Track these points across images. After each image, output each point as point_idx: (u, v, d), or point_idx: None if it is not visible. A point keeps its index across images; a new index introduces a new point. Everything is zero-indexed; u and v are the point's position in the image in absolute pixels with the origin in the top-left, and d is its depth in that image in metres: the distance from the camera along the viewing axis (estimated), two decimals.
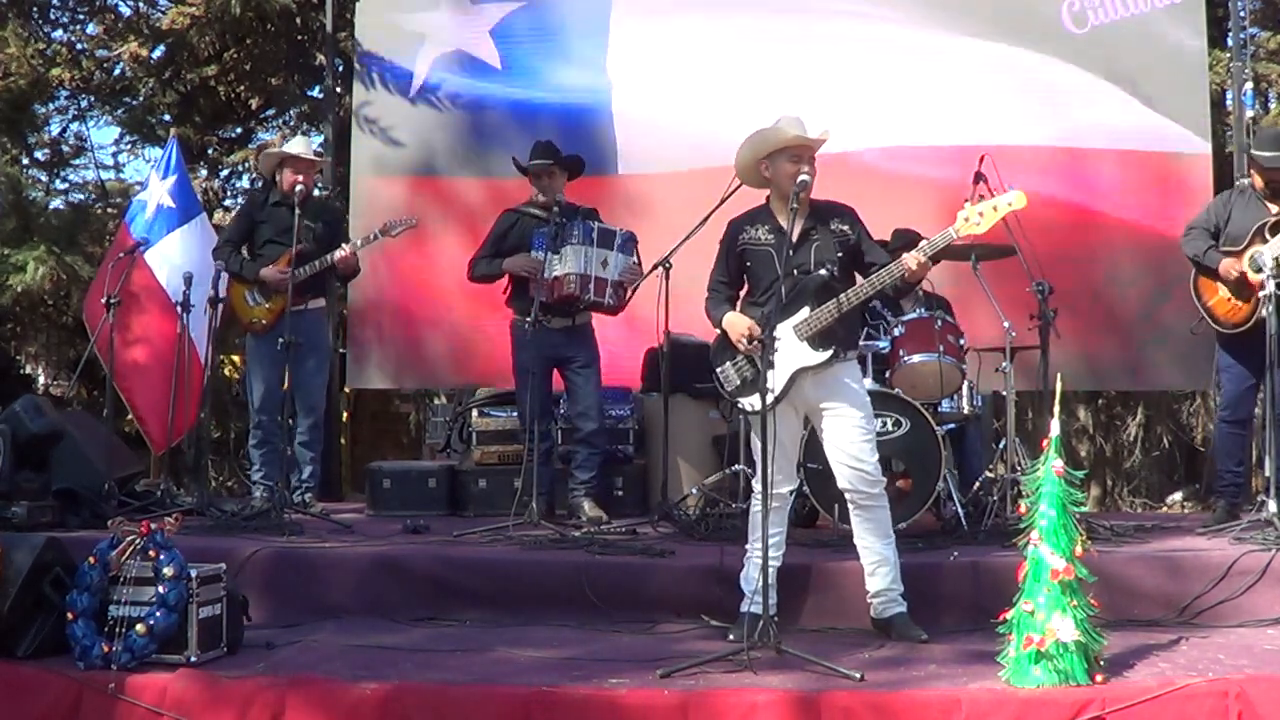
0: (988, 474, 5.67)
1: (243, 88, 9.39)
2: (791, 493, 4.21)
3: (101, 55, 8.98)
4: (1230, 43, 8.06)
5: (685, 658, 3.68)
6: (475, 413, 6.67)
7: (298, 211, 5.65)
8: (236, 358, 9.64)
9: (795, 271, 4.10)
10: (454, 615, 4.43)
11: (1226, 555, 4.40)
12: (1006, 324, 5.41)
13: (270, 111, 9.98)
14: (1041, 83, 7.18)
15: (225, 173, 10.18)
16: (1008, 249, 5.43)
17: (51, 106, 9.28)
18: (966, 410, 5.59)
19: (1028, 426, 7.96)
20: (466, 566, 4.65)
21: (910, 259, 3.97)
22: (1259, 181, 5.43)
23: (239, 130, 10.10)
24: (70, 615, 3.71)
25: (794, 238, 4.11)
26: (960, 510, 5.17)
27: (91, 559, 3.78)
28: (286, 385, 5.58)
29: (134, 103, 9.08)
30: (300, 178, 5.80)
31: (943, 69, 7.24)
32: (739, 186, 4.59)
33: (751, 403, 4.07)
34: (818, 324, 4.03)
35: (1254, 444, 6.39)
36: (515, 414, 6.36)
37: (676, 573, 4.53)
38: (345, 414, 8.98)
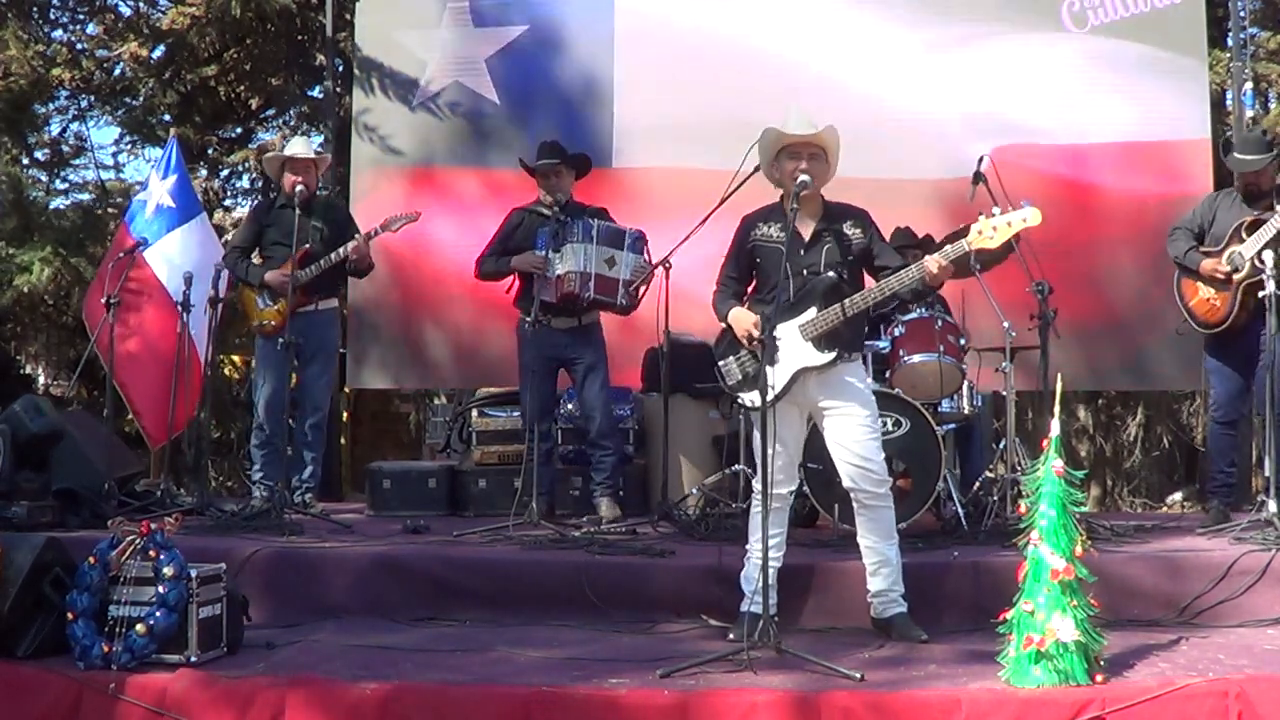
0: (988, 474, 5.67)
1: (243, 88, 9.40)
2: (792, 493, 4.21)
3: (101, 55, 8.98)
4: (1230, 43, 8.06)
5: (685, 658, 3.68)
6: (475, 413, 6.68)
7: (298, 212, 5.65)
8: (237, 358, 9.66)
9: (805, 272, 4.10)
10: (454, 615, 4.43)
11: (1226, 555, 4.40)
12: (1006, 324, 5.41)
13: (270, 111, 9.99)
14: (1041, 82, 7.18)
15: (225, 173, 10.19)
16: (1007, 248, 5.42)
17: (51, 106, 9.28)
18: (967, 410, 5.60)
19: (1028, 426, 7.96)
20: (466, 566, 4.65)
21: (932, 262, 3.95)
22: (1240, 182, 5.48)
23: (239, 130, 10.11)
24: (70, 615, 3.71)
25: (806, 237, 4.12)
26: (960, 510, 5.17)
27: (91, 559, 3.78)
28: (291, 385, 5.59)
29: (134, 103, 9.09)
30: (300, 178, 5.80)
31: (943, 68, 7.24)
32: (739, 186, 4.59)
33: (752, 399, 4.07)
34: (824, 325, 4.03)
35: (1253, 443, 6.40)
36: (515, 414, 6.37)
37: (676, 573, 4.53)
38: (345, 414, 8.98)
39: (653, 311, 5.76)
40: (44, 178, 9.40)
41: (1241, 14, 8.11)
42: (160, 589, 3.67)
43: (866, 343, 5.33)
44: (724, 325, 4.23)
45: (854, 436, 4.06)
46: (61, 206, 9.06)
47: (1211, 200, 5.65)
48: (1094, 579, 3.57)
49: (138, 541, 3.77)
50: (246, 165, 9.82)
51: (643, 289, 5.72)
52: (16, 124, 8.55)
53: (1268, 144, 5.50)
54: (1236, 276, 5.28)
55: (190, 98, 9.25)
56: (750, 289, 4.30)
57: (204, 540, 4.82)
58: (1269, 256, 5.04)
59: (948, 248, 4.05)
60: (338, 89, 8.22)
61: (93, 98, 9.27)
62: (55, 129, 9.58)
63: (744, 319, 4.09)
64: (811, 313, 4.05)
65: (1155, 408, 10.22)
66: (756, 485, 4.10)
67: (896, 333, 5.43)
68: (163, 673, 3.56)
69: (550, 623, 4.30)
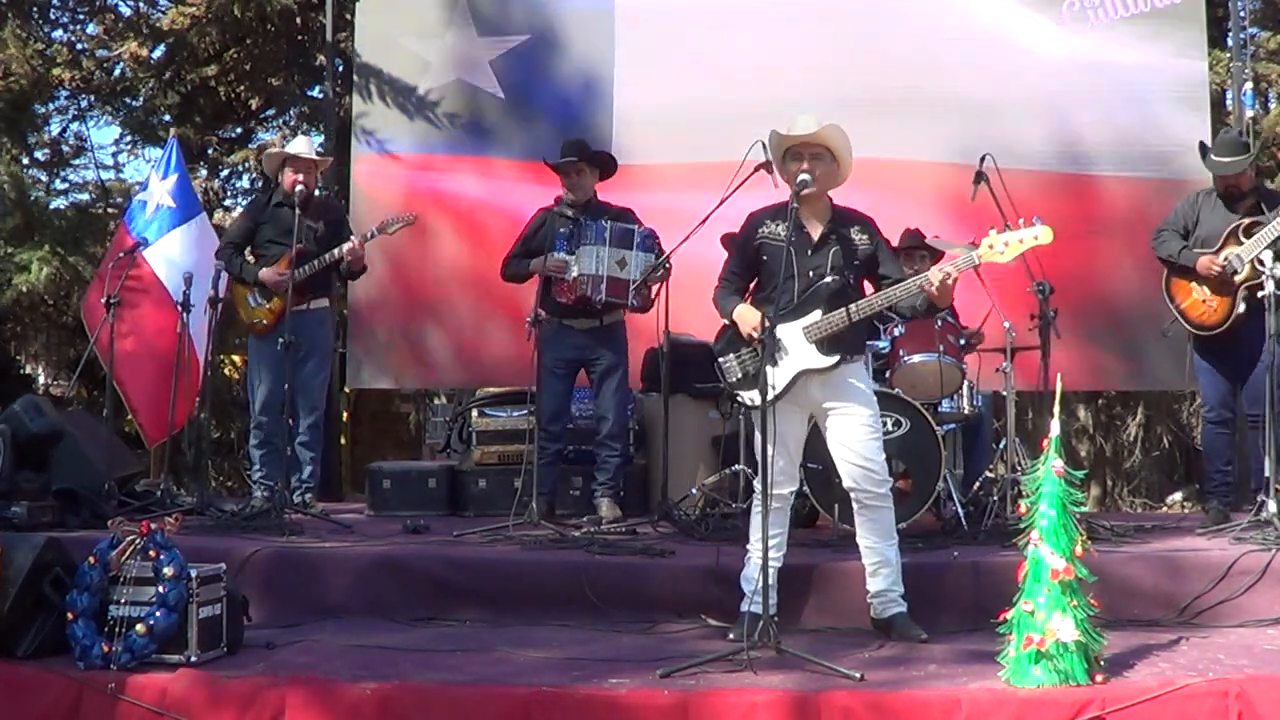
0: (988, 474, 5.68)
1: (243, 88, 9.40)
2: (792, 493, 4.21)
3: (101, 55, 8.99)
4: (1230, 43, 8.07)
5: (685, 658, 3.68)
6: (475, 413, 6.67)
7: (298, 212, 5.65)
8: (236, 358, 9.66)
9: (811, 273, 4.09)
10: (454, 615, 4.43)
11: (1226, 555, 4.40)
12: (1007, 324, 5.41)
13: (270, 111, 9.99)
14: (1041, 82, 7.18)
15: (225, 173, 10.19)
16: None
17: (51, 106, 9.29)
18: (967, 410, 5.60)
19: (1028, 426, 7.96)
20: (466, 566, 4.65)
21: (935, 275, 3.93)
22: (1219, 184, 5.49)
23: (239, 130, 10.11)
24: (70, 615, 3.71)
25: (813, 238, 4.12)
26: (960, 510, 5.17)
27: (91, 559, 3.78)
28: (287, 385, 5.58)
29: (134, 103, 9.09)
30: (301, 177, 5.80)
31: (942, 68, 7.24)
32: (738, 187, 4.59)
33: (751, 397, 4.08)
34: (828, 329, 4.02)
35: (1250, 442, 6.39)
36: (516, 414, 6.37)
37: (676, 573, 4.53)
38: (345, 414, 8.99)
39: (653, 311, 5.76)
40: (44, 178, 9.40)
41: (1241, 14, 8.12)
42: (160, 589, 3.67)
43: (867, 343, 5.34)
44: (725, 321, 4.23)
45: (856, 437, 4.06)
46: (61, 206, 9.06)
47: (1193, 201, 5.64)
48: (1094, 579, 3.57)
49: (138, 541, 3.77)
50: (246, 165, 9.83)
51: (655, 288, 5.69)
52: (16, 124, 8.55)
53: (1244, 145, 5.51)
54: (1236, 278, 5.28)
55: (190, 98, 9.25)
56: (752, 286, 4.29)
57: (204, 540, 4.82)
58: (1268, 257, 5.05)
59: (950, 264, 4.04)
60: (338, 89, 8.22)
61: (93, 98, 9.27)
62: (55, 129, 9.59)
63: (748, 316, 4.08)
64: (816, 315, 4.05)
65: (1155, 408, 10.22)
66: (757, 485, 4.10)
67: (896, 333, 5.43)
68: (163, 673, 3.56)
69: (550, 623, 4.30)
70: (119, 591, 3.71)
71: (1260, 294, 5.05)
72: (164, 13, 8.96)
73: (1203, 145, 5.78)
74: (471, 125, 7.54)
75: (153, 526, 3.80)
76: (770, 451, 3.82)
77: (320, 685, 3.46)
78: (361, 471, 7.35)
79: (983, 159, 5.48)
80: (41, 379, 11.36)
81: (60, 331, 9.51)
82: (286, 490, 5.56)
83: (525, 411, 6.33)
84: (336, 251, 5.83)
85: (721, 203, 4.78)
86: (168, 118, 8.93)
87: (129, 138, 9.66)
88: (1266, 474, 4.97)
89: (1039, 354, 5.30)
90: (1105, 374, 7.36)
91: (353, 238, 5.90)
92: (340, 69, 8.20)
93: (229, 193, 10.23)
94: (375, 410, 10.82)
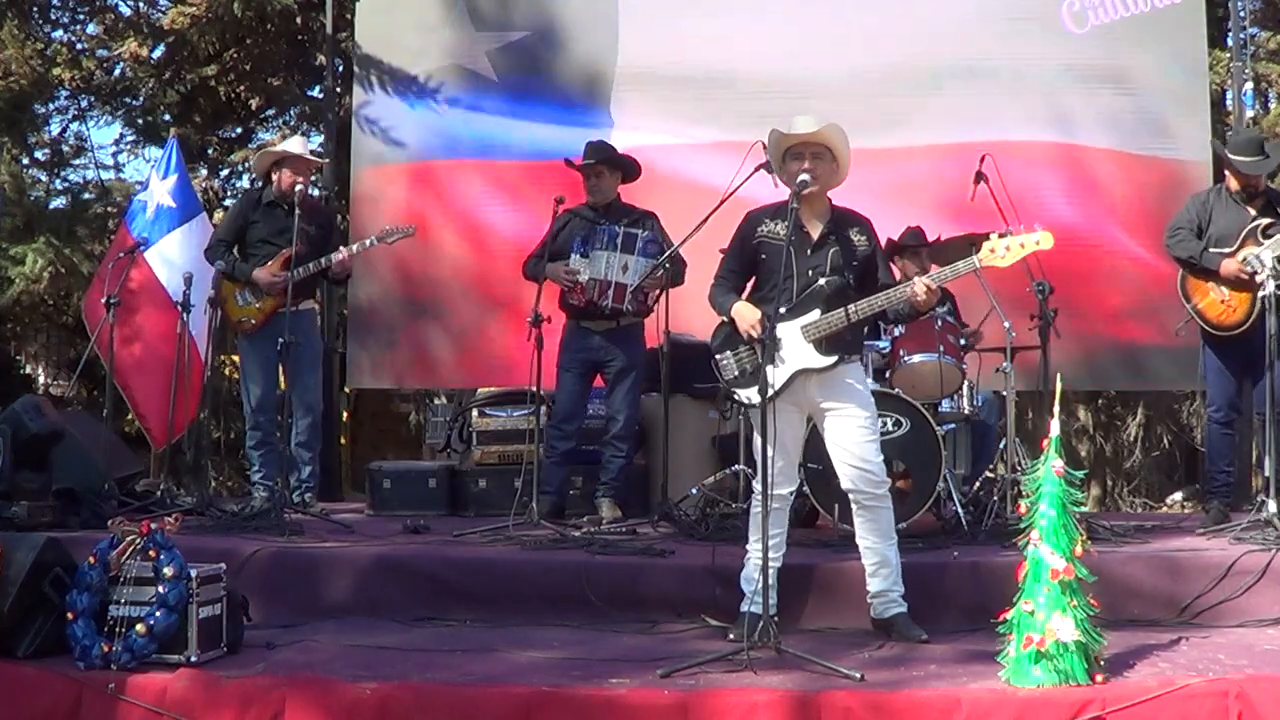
0: (988, 474, 5.67)
1: (243, 88, 9.39)
2: (791, 493, 4.21)
3: (101, 55, 8.98)
4: (1230, 43, 8.07)
5: (685, 658, 3.68)
6: (475, 413, 6.67)
7: (298, 213, 5.63)
8: (237, 358, 9.66)
9: (810, 272, 4.09)
10: (454, 615, 4.42)
11: (1226, 555, 4.40)
12: (1007, 324, 5.41)
13: (270, 111, 9.99)
14: (1041, 82, 7.18)
15: (225, 173, 10.19)
16: None
17: (51, 106, 9.27)
18: (967, 410, 5.59)
19: (1028, 426, 7.96)
20: (466, 566, 4.65)
21: (920, 286, 3.96)
22: (1234, 183, 5.45)
23: (239, 130, 10.11)
24: (70, 615, 3.71)
25: (813, 238, 4.12)
26: (960, 510, 5.17)
27: (91, 559, 3.78)
28: (284, 386, 5.58)
29: (134, 103, 9.08)
30: (300, 179, 5.79)
31: (944, 69, 7.24)
32: (737, 188, 4.59)
33: (748, 395, 4.08)
34: (826, 329, 4.02)
35: (1253, 443, 6.40)
36: (516, 414, 6.38)
37: (676, 573, 4.53)
38: (345, 414, 8.99)
39: (652, 312, 5.76)
40: (44, 178, 9.39)
41: (1241, 14, 8.12)
42: (160, 589, 3.67)
43: (866, 343, 5.34)
44: (722, 318, 4.22)
45: (853, 438, 4.05)
46: (61, 205, 9.05)
47: (1204, 200, 5.60)
48: (1094, 579, 3.57)
49: (138, 541, 3.77)
50: (246, 165, 9.81)
51: (654, 294, 5.67)
52: (16, 124, 8.54)
53: (1260, 144, 5.48)
54: (1257, 278, 5.22)
55: (190, 98, 9.25)
56: (750, 284, 4.29)
57: (204, 540, 4.82)
58: (1267, 256, 5.04)
59: (942, 270, 4.06)
60: (338, 89, 8.22)
61: (93, 98, 9.26)
62: (55, 129, 9.58)
63: (747, 314, 4.07)
64: (815, 315, 4.05)
65: (1155, 408, 10.22)
66: (756, 485, 4.09)
67: (896, 333, 5.43)
68: (163, 673, 3.56)
69: (550, 623, 4.30)
70: (119, 591, 3.71)
71: (1261, 294, 5.05)
72: (164, 12, 8.96)
73: (1216, 142, 5.75)
74: (473, 116, 7.53)
75: (153, 526, 3.80)
76: (770, 451, 3.82)
77: (320, 685, 3.46)
78: (361, 471, 7.35)
79: (982, 159, 5.48)
80: (41, 379, 11.36)
81: (60, 331, 9.52)
82: (286, 490, 5.56)
83: (525, 411, 6.33)
84: (324, 260, 5.79)
85: (720, 204, 4.77)
86: (168, 117, 8.92)
87: (129, 138, 9.67)
88: (1267, 474, 4.97)
89: (1039, 354, 5.31)
90: (1105, 374, 7.37)
91: (342, 249, 5.86)
92: (340, 69, 8.20)
93: (229, 193, 10.22)
94: (375, 410, 10.83)
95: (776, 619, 3.85)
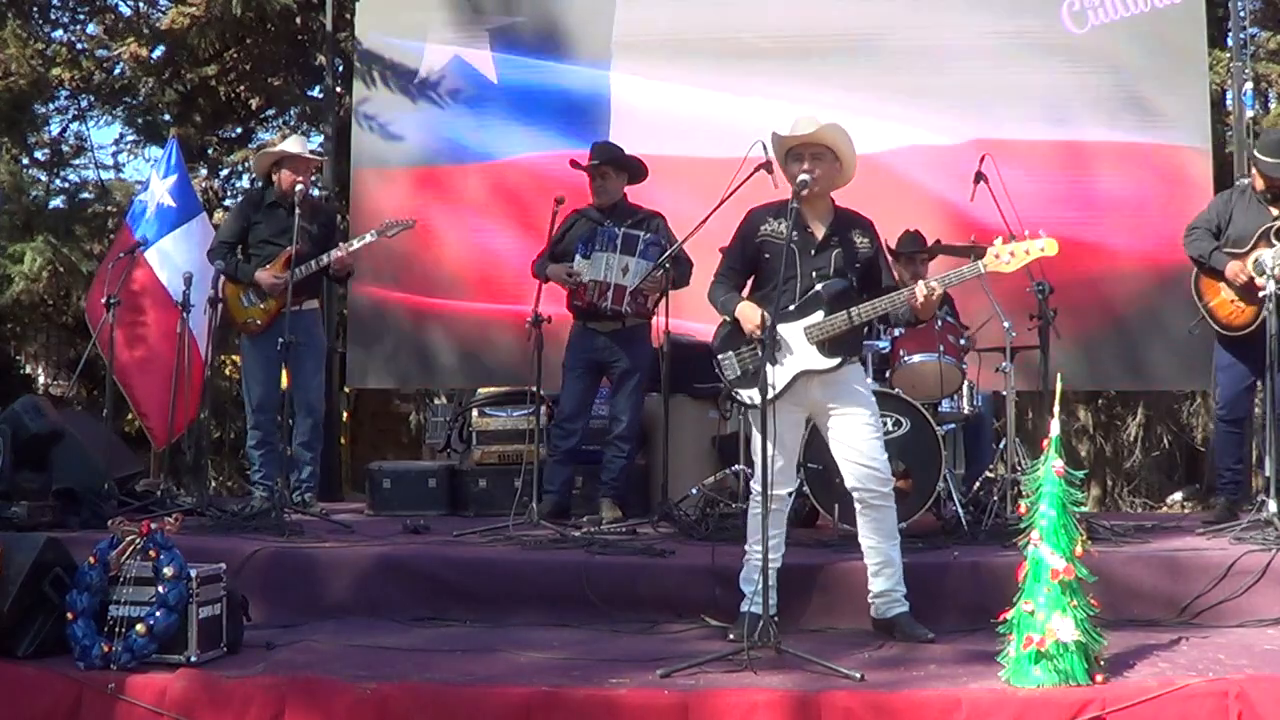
0: (988, 474, 5.67)
1: (243, 88, 9.39)
2: (791, 494, 4.21)
3: (101, 55, 8.97)
4: (1230, 43, 8.06)
5: (685, 658, 3.67)
6: (475, 413, 6.67)
7: (298, 212, 5.62)
8: (236, 358, 9.66)
9: (814, 273, 4.09)
10: (454, 615, 4.43)
11: (1226, 555, 4.40)
12: (1007, 324, 5.41)
13: (270, 111, 9.98)
14: (1042, 82, 7.19)
15: (225, 173, 10.18)
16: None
17: (51, 106, 9.26)
18: (967, 410, 5.59)
19: (1028, 426, 7.96)
20: (466, 566, 4.65)
21: (921, 291, 3.97)
22: (1260, 183, 5.42)
23: (239, 130, 10.10)
24: (70, 615, 3.71)
25: (817, 238, 4.12)
26: (960, 510, 5.17)
27: (91, 559, 3.78)
28: (285, 386, 5.58)
29: (134, 103, 9.08)
30: (301, 178, 5.79)
31: (944, 67, 7.24)
32: (737, 189, 4.59)
33: (750, 395, 4.07)
34: (830, 330, 4.02)
35: (1253, 442, 6.39)
36: (516, 414, 6.38)
37: (676, 573, 4.53)
38: (345, 414, 8.98)
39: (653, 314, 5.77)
40: (44, 177, 9.39)
41: (1241, 14, 8.11)
42: (160, 589, 3.67)
43: (866, 343, 5.35)
44: (724, 318, 4.22)
45: (860, 437, 4.06)
46: (60, 205, 9.05)
47: (1226, 200, 5.58)
48: (1094, 579, 3.57)
49: (138, 541, 3.77)
50: (246, 165, 9.81)
51: (654, 297, 5.67)
52: (16, 124, 8.54)
53: None
54: (1263, 281, 5.21)
55: (190, 98, 9.24)
56: (750, 283, 4.28)
57: (204, 540, 4.82)
58: (1267, 257, 5.04)
59: (949, 275, 4.07)
60: (338, 89, 8.22)
61: (93, 98, 9.26)
62: (55, 129, 9.57)
63: (750, 315, 4.05)
64: (818, 316, 4.04)
65: (1155, 408, 10.22)
66: (755, 487, 4.09)
67: (896, 333, 5.43)
68: (163, 673, 3.56)
69: (550, 623, 4.30)
70: (119, 591, 3.71)
71: (1261, 293, 5.04)
72: (164, 13, 8.95)
73: (1247, 142, 5.72)
74: (474, 111, 7.52)
75: (153, 526, 3.80)
76: (770, 451, 3.82)
77: (320, 685, 3.46)
78: (361, 471, 7.35)
79: (982, 159, 5.48)
80: (41, 379, 11.35)
81: (60, 331, 9.51)
82: (286, 490, 5.56)
83: (526, 411, 6.34)
84: (323, 258, 5.80)
85: (720, 204, 4.77)
86: (168, 117, 8.92)
87: (129, 138, 9.66)
88: (1267, 474, 4.96)
89: (1039, 354, 5.30)
90: (1105, 374, 7.37)
91: (341, 245, 5.84)
92: (340, 68, 8.20)
93: (229, 193, 10.22)
94: (375, 410, 10.82)
95: (776, 619, 3.85)
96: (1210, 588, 4.27)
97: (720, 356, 4.20)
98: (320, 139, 8.54)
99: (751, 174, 4.69)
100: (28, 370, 11.00)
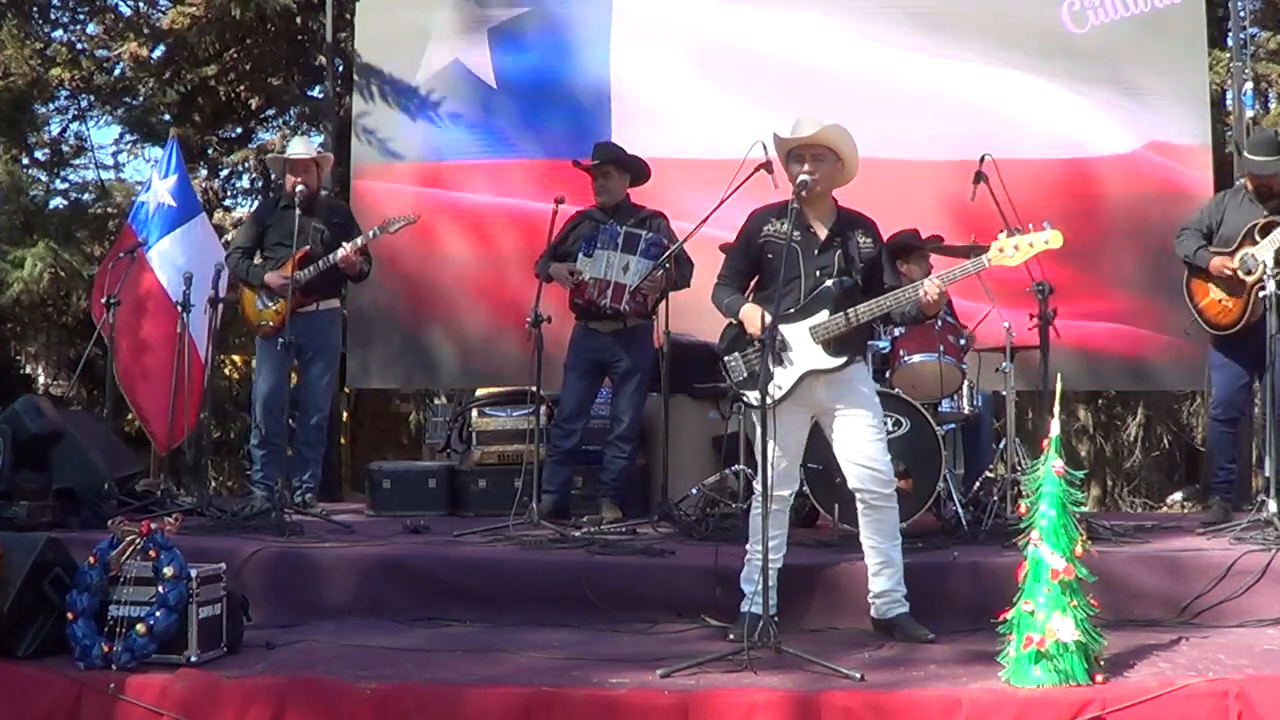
0: (988, 474, 5.67)
1: (243, 88, 9.39)
2: (792, 494, 4.21)
3: (101, 55, 8.98)
4: (1230, 43, 8.06)
5: (685, 658, 3.67)
6: (475, 413, 6.67)
7: (298, 213, 5.64)
8: (237, 358, 9.67)
9: (818, 273, 4.09)
10: (454, 615, 4.42)
11: (1226, 555, 4.40)
12: (1006, 324, 5.41)
13: (270, 111, 9.98)
14: (1042, 82, 7.18)
15: (225, 173, 10.18)
16: None
17: (51, 106, 9.27)
18: (967, 410, 5.59)
19: (1028, 426, 7.96)
20: (466, 566, 4.65)
21: (932, 287, 3.97)
22: (1250, 183, 5.45)
23: (239, 130, 10.10)
24: (70, 615, 3.71)
25: (820, 238, 4.12)
26: (960, 510, 5.17)
27: (91, 559, 3.78)
28: (291, 386, 5.58)
29: (134, 103, 9.08)
30: (299, 179, 5.80)
31: (944, 68, 7.24)
32: (738, 188, 4.59)
33: (756, 396, 4.05)
34: (834, 330, 4.02)
35: (1253, 442, 6.40)
36: (516, 414, 6.38)
37: (676, 573, 4.53)
38: (345, 414, 8.98)
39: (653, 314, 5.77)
40: (44, 178, 9.39)
41: (1241, 14, 8.12)
42: (160, 589, 3.67)
43: (866, 343, 5.34)
44: (729, 319, 4.22)
45: (863, 438, 4.06)
46: (60, 206, 9.05)
47: (1220, 200, 5.61)
48: (1094, 579, 3.57)
49: (138, 541, 3.77)
50: (246, 165, 9.82)
51: (653, 298, 5.67)
52: (16, 124, 8.54)
53: (1277, 144, 5.45)
54: (1249, 279, 5.24)
55: (190, 98, 9.24)
56: (753, 284, 4.28)
57: (204, 540, 4.82)
58: (1269, 258, 5.05)
59: (952, 269, 4.05)
60: (338, 90, 8.22)
61: (93, 98, 9.26)
62: (55, 129, 9.57)
63: (756, 316, 4.04)
64: (823, 315, 4.04)
65: (1155, 408, 10.22)
66: (756, 486, 4.09)
67: (896, 333, 5.43)
68: (163, 673, 3.56)
69: (550, 623, 4.30)
70: (119, 591, 3.71)
71: (1261, 294, 5.05)
72: (164, 13, 8.96)
73: (1238, 143, 5.74)
74: (473, 125, 7.54)
75: (153, 526, 3.80)
76: (772, 452, 3.82)
77: (320, 685, 3.46)
78: (361, 471, 7.35)
79: (982, 159, 5.47)
80: (41, 379, 11.36)
81: (60, 331, 9.50)
82: (286, 490, 5.56)
83: (526, 411, 6.34)
84: (330, 258, 5.82)
85: (720, 204, 4.77)
86: (168, 117, 8.92)
87: (129, 138, 9.65)
88: (1267, 474, 4.97)
89: (1039, 354, 5.31)
90: (1105, 374, 7.37)
91: (345, 245, 5.85)
92: (340, 69, 8.20)
93: (229, 193, 10.23)
94: (375, 410, 10.82)
95: (776, 619, 3.85)
96: (1210, 588, 4.28)
97: (726, 359, 4.20)
98: (320, 139, 8.54)
99: (751, 174, 4.69)
100: (28, 370, 11.00)
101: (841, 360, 4.03)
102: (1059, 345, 5.41)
